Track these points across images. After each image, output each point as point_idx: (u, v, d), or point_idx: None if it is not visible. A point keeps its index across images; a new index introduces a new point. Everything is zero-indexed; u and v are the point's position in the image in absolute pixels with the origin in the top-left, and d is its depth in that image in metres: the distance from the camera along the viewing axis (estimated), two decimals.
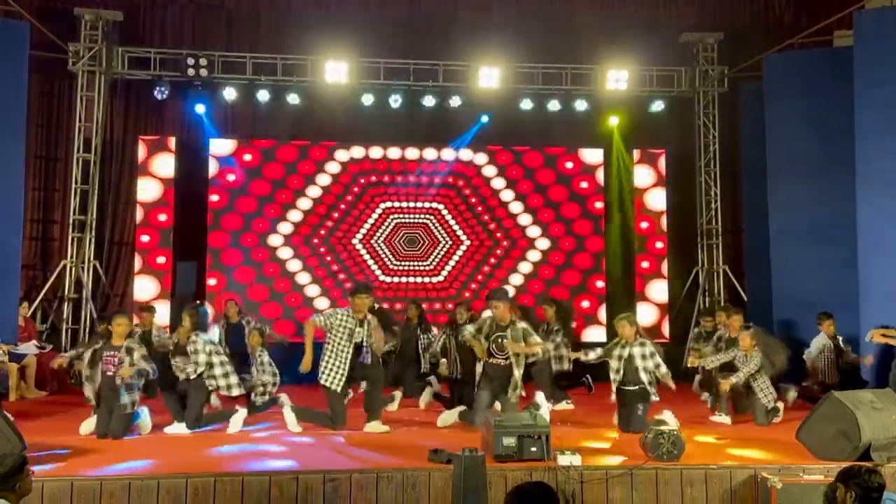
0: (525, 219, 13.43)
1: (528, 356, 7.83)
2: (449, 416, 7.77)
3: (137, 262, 12.69)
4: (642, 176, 13.67)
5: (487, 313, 8.07)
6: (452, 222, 13.29)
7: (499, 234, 13.36)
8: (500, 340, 7.42)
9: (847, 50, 10.47)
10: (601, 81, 12.99)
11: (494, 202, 13.41)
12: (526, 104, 13.10)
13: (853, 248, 9.80)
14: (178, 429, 7.41)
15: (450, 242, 13.25)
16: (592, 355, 8.04)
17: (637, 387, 7.55)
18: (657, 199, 13.66)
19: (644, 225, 13.60)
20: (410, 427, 7.65)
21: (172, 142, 12.92)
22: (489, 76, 12.69)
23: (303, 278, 12.91)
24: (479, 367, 7.66)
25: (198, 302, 9.36)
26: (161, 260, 12.67)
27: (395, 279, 13.10)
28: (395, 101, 12.80)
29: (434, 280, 13.17)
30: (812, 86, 11.25)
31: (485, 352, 7.49)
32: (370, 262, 13.08)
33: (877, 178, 9.63)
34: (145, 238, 12.71)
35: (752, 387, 8.08)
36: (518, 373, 7.41)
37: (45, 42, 11.90)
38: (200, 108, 12.73)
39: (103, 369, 7.13)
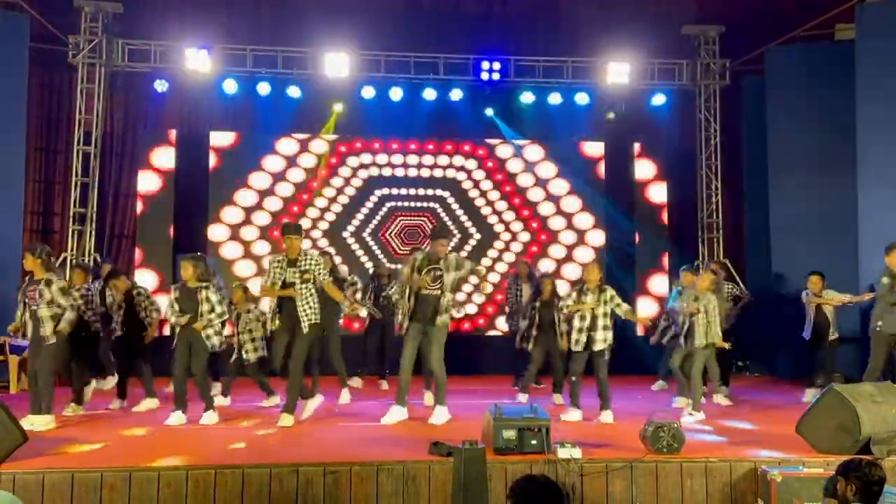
0: (526, 212, 13.42)
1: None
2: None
3: (138, 255, 12.69)
4: (643, 169, 13.65)
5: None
6: (452, 216, 13.27)
7: (499, 228, 13.35)
8: (434, 272, 7.64)
9: (848, 43, 10.49)
10: (602, 74, 12.98)
11: (495, 196, 13.39)
12: (527, 97, 13.11)
13: (854, 241, 9.82)
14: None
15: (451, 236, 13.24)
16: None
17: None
18: (658, 193, 13.64)
19: (644, 218, 13.58)
20: (410, 420, 7.62)
21: (173, 134, 12.91)
22: (489, 69, 12.69)
23: None
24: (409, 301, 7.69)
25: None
26: (161, 252, 12.66)
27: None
28: (396, 94, 12.82)
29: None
30: (813, 79, 11.27)
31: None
32: (369, 254, 13.08)
33: (878, 171, 9.66)
34: (145, 231, 12.70)
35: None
36: (446, 299, 7.61)
37: (45, 34, 11.89)
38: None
39: (28, 303, 7.32)
